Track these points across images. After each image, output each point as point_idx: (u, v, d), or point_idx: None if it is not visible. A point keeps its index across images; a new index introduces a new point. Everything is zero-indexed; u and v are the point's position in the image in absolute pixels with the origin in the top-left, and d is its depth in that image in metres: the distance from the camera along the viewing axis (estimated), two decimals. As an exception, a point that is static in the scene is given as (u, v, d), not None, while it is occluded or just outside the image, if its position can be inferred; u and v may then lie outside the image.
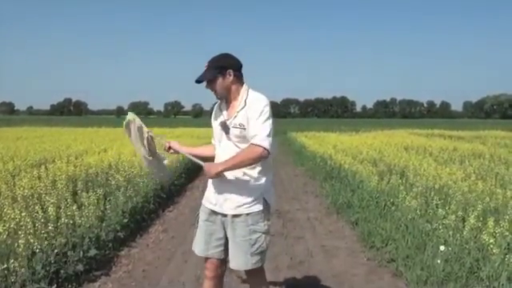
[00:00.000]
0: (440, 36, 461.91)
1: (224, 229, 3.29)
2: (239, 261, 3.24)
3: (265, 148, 3.01)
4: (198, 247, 3.37)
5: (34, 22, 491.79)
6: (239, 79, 3.22)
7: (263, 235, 3.25)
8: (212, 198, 3.29)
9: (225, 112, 3.26)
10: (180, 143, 3.62)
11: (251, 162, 3.08)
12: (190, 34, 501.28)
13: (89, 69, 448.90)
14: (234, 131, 3.15)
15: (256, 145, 3.02)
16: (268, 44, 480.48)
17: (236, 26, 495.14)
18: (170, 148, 3.54)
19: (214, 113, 3.40)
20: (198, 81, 3.16)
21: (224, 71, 3.14)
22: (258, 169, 3.20)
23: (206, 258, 3.39)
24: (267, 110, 3.12)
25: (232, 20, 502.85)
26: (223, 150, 3.23)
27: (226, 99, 3.26)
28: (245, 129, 3.11)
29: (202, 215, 3.37)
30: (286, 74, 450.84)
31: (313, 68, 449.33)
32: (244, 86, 3.25)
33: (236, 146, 3.17)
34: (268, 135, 3.05)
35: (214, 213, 3.29)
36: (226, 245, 3.33)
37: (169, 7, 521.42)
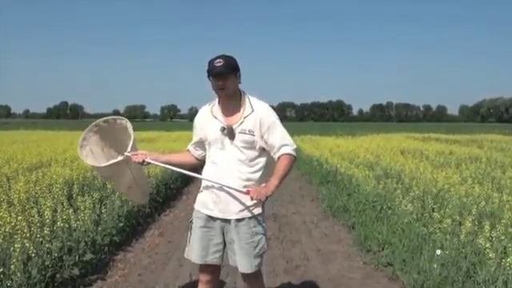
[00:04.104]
0: (436, 40, 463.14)
1: (223, 234, 3.27)
2: (245, 264, 3.24)
3: (296, 157, 3.28)
4: (196, 254, 3.31)
5: (31, 25, 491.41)
6: (240, 83, 3.25)
7: (264, 237, 3.28)
8: (210, 204, 3.25)
9: (221, 117, 3.24)
10: (151, 152, 3.44)
11: (290, 170, 3.27)
12: (186, 37, 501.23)
13: (85, 72, 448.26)
14: (241, 137, 3.15)
15: (290, 154, 3.23)
16: (264, 47, 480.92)
17: (232, 29, 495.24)
18: (143, 161, 3.32)
19: (203, 117, 3.35)
20: (218, 72, 3.09)
21: (236, 72, 3.16)
22: (260, 173, 3.24)
23: (202, 265, 3.36)
24: (277, 117, 3.27)
25: (228, 23, 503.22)
26: (227, 155, 3.19)
27: (223, 102, 3.24)
28: (254, 135, 3.15)
29: (198, 221, 3.31)
30: (282, 78, 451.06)
31: (309, 72, 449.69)
32: (241, 91, 3.27)
33: (241, 151, 3.17)
34: (293, 143, 3.28)
35: (211, 218, 3.26)
36: (223, 250, 3.31)
37: (165, 11, 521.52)
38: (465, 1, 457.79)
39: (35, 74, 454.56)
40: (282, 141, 3.20)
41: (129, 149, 3.31)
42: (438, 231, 5.22)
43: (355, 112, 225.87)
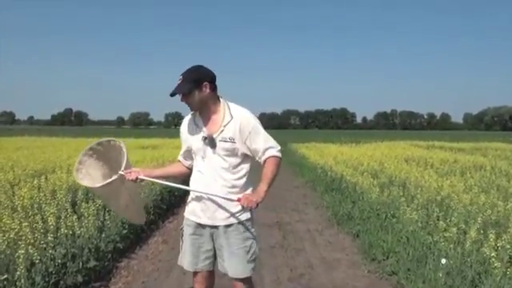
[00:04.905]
0: (440, 47, 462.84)
1: (212, 241, 3.31)
2: (238, 269, 3.26)
3: (281, 158, 3.27)
4: (187, 261, 3.35)
5: (35, 31, 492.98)
6: (215, 91, 3.23)
7: (254, 241, 3.32)
8: (198, 211, 3.28)
9: (203, 126, 3.26)
10: (144, 169, 3.52)
11: (278, 173, 3.25)
12: (190, 44, 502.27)
13: (90, 79, 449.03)
14: (222, 145, 3.17)
15: (276, 156, 3.23)
16: (269, 54, 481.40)
17: (236, 36, 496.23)
18: (137, 178, 3.33)
19: (186, 128, 3.38)
20: (173, 94, 3.14)
21: (200, 84, 3.14)
22: (245, 179, 3.26)
23: (195, 272, 3.38)
24: (258, 121, 3.28)
25: (233, 30, 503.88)
26: (209, 164, 3.22)
27: (201, 112, 3.27)
28: (235, 142, 3.16)
29: (188, 229, 3.35)
30: (286, 86, 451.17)
31: (313, 79, 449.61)
32: (220, 98, 3.28)
33: (223, 159, 3.19)
34: (277, 144, 3.29)
35: (200, 226, 3.29)
36: (214, 256, 3.35)
37: (170, 17, 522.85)
38: (468, 9, 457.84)
39: (39, 81, 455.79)
40: (265, 144, 3.22)
41: (122, 167, 3.32)
42: (442, 240, 5.19)
43: (359, 120, 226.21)
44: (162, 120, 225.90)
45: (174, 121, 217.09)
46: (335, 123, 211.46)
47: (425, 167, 11.83)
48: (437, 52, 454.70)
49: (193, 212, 3.32)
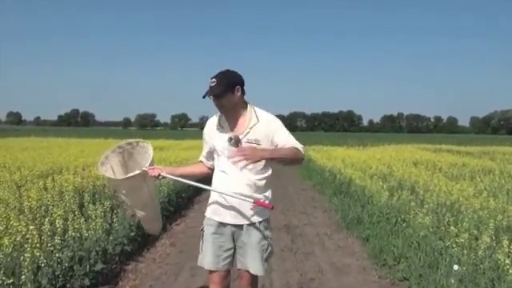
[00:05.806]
0: (447, 51, 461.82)
1: (233, 240, 3.33)
2: (258, 267, 3.30)
3: (303, 158, 3.31)
4: (208, 262, 3.34)
5: (42, 33, 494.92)
6: (243, 95, 3.29)
7: (271, 241, 3.38)
8: (221, 210, 3.30)
9: (228, 128, 3.30)
10: (165, 167, 3.56)
11: (294, 163, 3.32)
12: (197, 46, 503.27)
13: (96, 80, 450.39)
14: (248, 146, 3.18)
15: (298, 150, 3.25)
16: (276, 57, 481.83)
17: (244, 38, 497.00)
18: (159, 175, 3.35)
19: (211, 128, 3.42)
20: (209, 95, 3.16)
21: (233, 87, 3.19)
22: (265, 181, 3.30)
23: (212, 272, 3.38)
24: (282, 123, 3.34)
25: (240, 33, 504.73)
26: (234, 165, 3.22)
27: (228, 115, 3.30)
28: (260, 144, 3.20)
29: (209, 229, 3.36)
30: (293, 88, 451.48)
31: (320, 82, 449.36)
32: (248, 102, 3.34)
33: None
34: (300, 144, 3.30)
35: (221, 225, 3.31)
36: (233, 255, 3.37)
37: (176, 20, 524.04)
38: (476, 12, 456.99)
39: (46, 82, 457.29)
40: (288, 140, 3.27)
41: (147, 164, 3.36)
42: (454, 245, 5.12)
43: (366, 122, 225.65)
44: (169, 121, 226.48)
45: (180, 122, 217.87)
46: (341, 126, 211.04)
47: (433, 171, 11.76)
48: (443, 55, 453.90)
49: (216, 211, 3.34)
